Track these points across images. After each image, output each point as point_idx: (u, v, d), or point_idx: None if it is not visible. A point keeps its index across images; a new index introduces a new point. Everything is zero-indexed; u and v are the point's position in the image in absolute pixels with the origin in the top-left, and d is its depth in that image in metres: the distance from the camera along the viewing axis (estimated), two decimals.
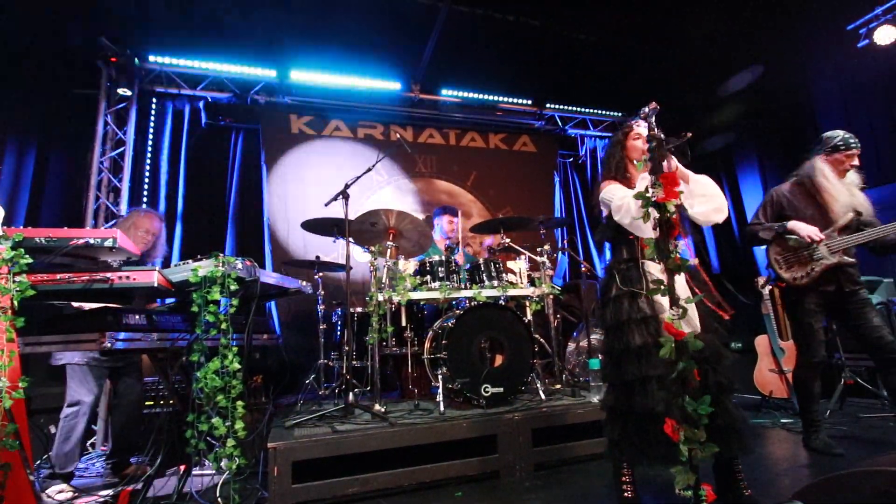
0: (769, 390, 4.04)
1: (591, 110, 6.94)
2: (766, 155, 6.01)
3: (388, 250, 3.38)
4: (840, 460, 2.67)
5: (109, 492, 2.62)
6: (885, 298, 4.17)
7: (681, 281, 1.92)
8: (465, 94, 6.20)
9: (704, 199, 1.96)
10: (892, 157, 4.74)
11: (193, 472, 2.61)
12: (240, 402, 2.15)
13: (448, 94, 6.13)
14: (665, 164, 1.51)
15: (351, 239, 3.38)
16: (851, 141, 2.83)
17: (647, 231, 1.68)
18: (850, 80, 5.14)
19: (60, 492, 2.65)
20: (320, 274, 4.06)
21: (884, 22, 4.61)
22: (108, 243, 1.99)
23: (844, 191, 2.83)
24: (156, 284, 1.99)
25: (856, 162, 2.85)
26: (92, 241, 1.98)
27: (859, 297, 2.81)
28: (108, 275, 2.02)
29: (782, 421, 3.60)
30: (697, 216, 1.96)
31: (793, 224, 2.85)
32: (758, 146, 6.11)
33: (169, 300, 2.98)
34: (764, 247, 3.06)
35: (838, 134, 2.87)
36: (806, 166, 2.95)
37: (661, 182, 1.41)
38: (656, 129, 1.56)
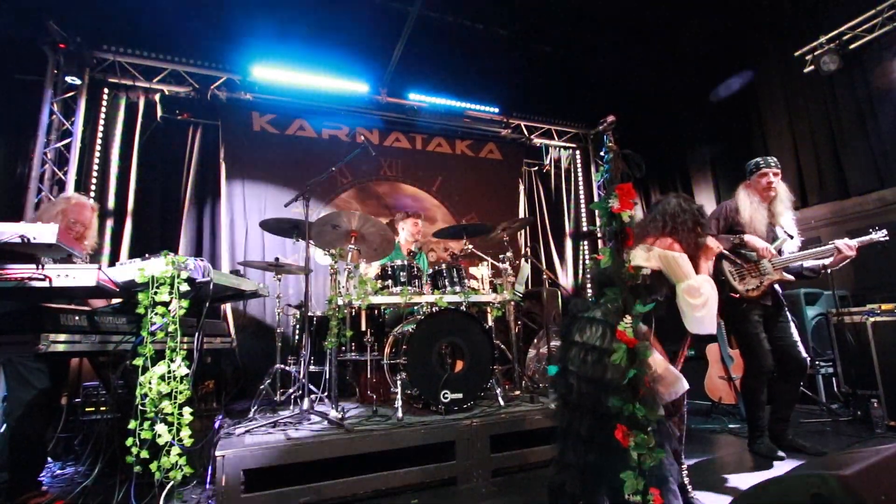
0: (718, 396, 4.20)
1: (557, 121, 7.10)
2: (720, 166, 6.29)
3: (350, 253, 3.33)
4: (782, 464, 2.80)
5: None
6: (824, 310, 4.40)
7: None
8: (433, 100, 6.20)
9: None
10: (832, 176, 5.04)
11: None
12: (187, 409, 2.06)
13: (416, 98, 6.11)
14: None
15: (311, 241, 3.31)
16: (762, 162, 3.12)
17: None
18: (795, 103, 5.45)
19: None
20: (279, 276, 3.96)
21: (827, 50, 4.91)
22: (46, 239, 1.87)
23: (759, 217, 3.07)
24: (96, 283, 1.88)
25: (770, 179, 3.08)
26: (28, 236, 1.86)
27: (785, 312, 3.09)
28: (46, 272, 1.90)
29: (730, 426, 3.75)
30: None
31: (749, 238, 3.00)
32: (712, 159, 6.39)
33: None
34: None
35: (753, 160, 3.17)
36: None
37: (616, 192, 1.44)
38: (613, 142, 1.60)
